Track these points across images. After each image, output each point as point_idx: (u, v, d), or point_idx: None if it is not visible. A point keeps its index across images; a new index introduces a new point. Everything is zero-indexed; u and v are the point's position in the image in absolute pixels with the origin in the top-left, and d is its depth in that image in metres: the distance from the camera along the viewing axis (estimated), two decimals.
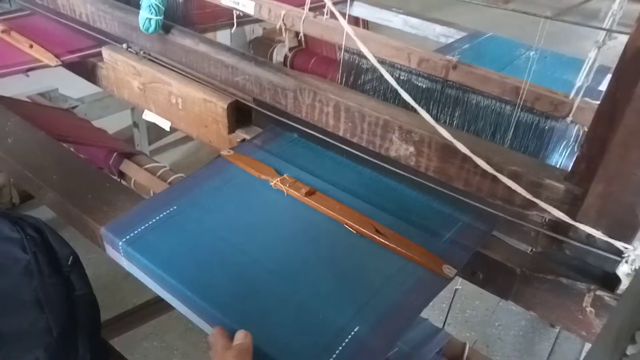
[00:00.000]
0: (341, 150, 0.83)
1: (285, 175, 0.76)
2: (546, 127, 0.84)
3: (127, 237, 0.62)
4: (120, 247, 0.62)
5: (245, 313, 0.56)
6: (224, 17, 1.36)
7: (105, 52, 1.03)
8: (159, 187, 0.99)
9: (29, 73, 1.02)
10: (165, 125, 1.02)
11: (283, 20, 1.03)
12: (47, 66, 1.03)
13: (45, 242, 0.76)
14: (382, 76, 1.03)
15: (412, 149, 0.72)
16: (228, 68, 0.90)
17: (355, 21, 1.74)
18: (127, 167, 1.08)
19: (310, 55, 1.68)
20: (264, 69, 0.86)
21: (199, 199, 0.71)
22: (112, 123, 1.82)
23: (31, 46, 1.07)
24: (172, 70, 0.97)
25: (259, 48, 2.11)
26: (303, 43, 1.73)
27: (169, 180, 0.98)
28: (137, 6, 0.94)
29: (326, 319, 0.56)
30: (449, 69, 0.89)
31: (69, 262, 0.76)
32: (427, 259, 0.64)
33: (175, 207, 0.67)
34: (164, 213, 0.66)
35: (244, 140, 0.89)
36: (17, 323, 0.67)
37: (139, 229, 0.63)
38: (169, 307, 0.64)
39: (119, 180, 1.14)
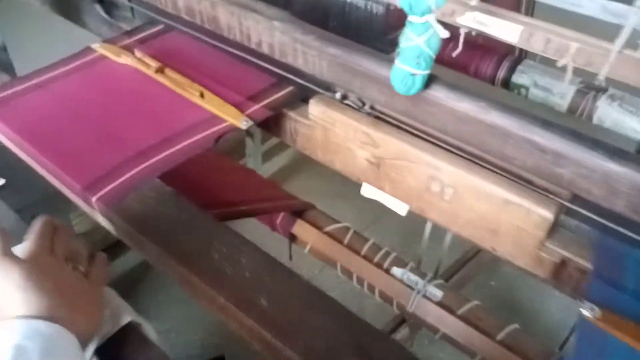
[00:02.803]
0: None
1: None
2: None
3: None
4: None
5: None
6: None
7: (317, 107, 0.73)
8: (343, 256, 0.79)
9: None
10: (402, 210, 0.73)
11: (573, 57, 0.71)
12: (235, 129, 0.73)
13: None
14: None
15: None
16: (545, 153, 0.60)
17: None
18: (302, 229, 0.85)
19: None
20: (617, 161, 0.56)
21: None
22: None
23: (202, 94, 0.77)
24: (430, 142, 0.67)
25: None
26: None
27: (355, 248, 0.78)
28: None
29: None
30: None
31: None
32: None
33: None
34: None
35: (563, 260, 0.60)
36: None
37: None
38: None
39: (289, 242, 0.92)
